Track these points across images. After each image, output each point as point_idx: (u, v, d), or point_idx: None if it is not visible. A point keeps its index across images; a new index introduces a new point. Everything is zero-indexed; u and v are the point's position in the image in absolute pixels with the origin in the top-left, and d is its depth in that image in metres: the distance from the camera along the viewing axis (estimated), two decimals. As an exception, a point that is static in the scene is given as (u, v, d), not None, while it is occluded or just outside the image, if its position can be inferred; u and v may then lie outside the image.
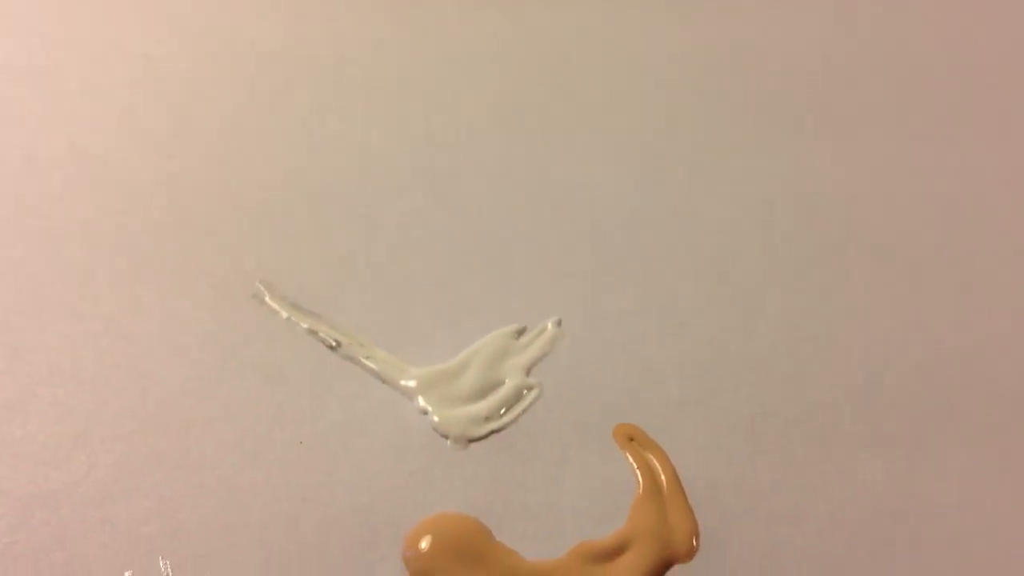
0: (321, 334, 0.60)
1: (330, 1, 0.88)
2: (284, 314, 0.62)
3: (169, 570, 0.50)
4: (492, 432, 0.57)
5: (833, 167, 0.75)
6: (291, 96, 0.78)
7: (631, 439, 0.57)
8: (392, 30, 0.85)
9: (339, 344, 0.60)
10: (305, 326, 0.61)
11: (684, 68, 0.84)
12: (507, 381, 0.59)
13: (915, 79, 0.84)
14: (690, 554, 0.53)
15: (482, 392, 0.59)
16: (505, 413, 0.58)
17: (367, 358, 0.59)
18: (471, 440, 0.56)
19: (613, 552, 0.52)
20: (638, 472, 0.55)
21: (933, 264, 0.68)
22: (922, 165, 0.75)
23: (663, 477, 0.55)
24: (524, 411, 0.58)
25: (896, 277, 0.67)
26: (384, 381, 0.59)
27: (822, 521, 0.54)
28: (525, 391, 0.59)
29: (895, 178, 0.74)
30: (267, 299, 0.62)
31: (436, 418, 0.57)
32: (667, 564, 0.52)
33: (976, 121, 0.79)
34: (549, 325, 0.62)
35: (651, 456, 0.56)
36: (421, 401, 0.58)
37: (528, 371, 0.60)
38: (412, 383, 0.58)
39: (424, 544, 0.52)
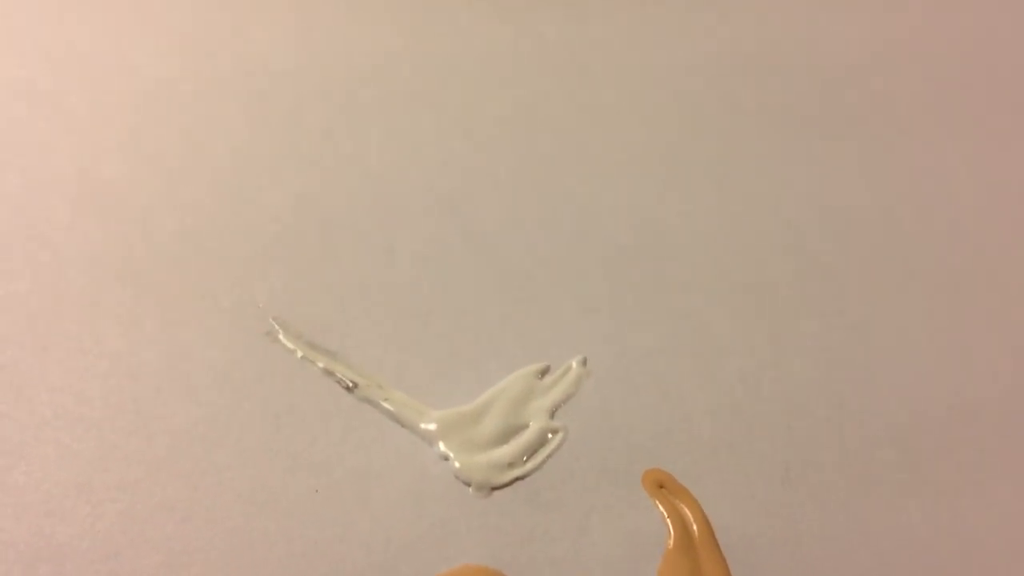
0: (337, 375, 0.58)
1: (343, 23, 0.86)
2: (299, 353, 0.59)
3: (178, 629, 0.48)
4: (516, 479, 0.54)
5: (869, 186, 0.72)
6: (304, 123, 0.76)
7: (661, 486, 0.54)
8: (404, 48, 0.83)
9: (356, 385, 0.58)
10: (321, 366, 0.58)
11: (708, 85, 0.82)
12: (531, 424, 0.57)
13: (954, 88, 0.81)
14: (725, 610, 0.50)
15: (505, 436, 0.56)
16: (528, 460, 0.55)
17: (385, 400, 0.57)
18: (494, 488, 0.54)
19: (644, 608, 0.50)
20: (669, 522, 0.53)
21: (981, 295, 0.65)
22: (969, 181, 0.72)
23: (695, 527, 0.53)
24: (549, 456, 0.55)
25: (940, 310, 0.64)
26: (403, 424, 0.56)
27: (864, 574, 0.51)
28: (550, 435, 0.56)
29: (940, 198, 0.71)
30: (281, 337, 0.60)
31: (457, 464, 0.54)
32: (701, 621, 0.50)
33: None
34: (574, 364, 0.60)
35: (682, 505, 0.54)
36: (442, 446, 0.55)
37: (552, 413, 0.57)
38: (432, 426, 0.56)
39: (445, 598, 0.49)
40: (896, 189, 0.73)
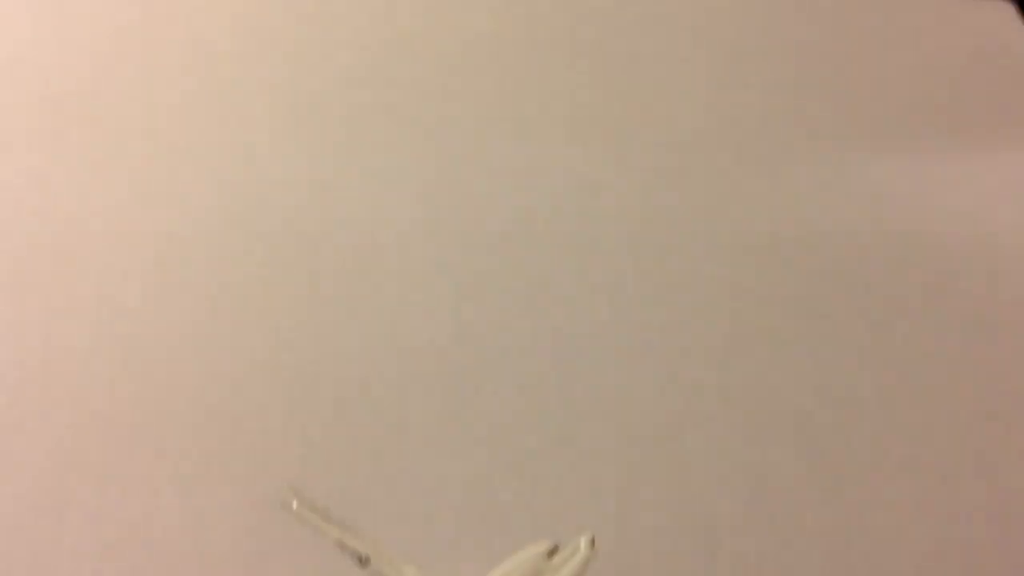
0: (350, 546, 0.59)
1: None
2: (312, 524, 0.60)
3: None
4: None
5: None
6: (317, 283, 0.78)
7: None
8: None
9: (368, 559, 0.58)
10: (334, 537, 0.59)
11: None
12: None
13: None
14: None
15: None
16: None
17: (397, 576, 0.58)
18: None
19: None
20: None
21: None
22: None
23: None
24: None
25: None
26: (413, 604, 0.57)
27: None
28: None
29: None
30: (295, 507, 0.61)
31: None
32: None
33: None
34: (582, 544, 0.61)
35: None
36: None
37: (561, 597, 0.58)
38: (441, 606, 0.57)
39: None
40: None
